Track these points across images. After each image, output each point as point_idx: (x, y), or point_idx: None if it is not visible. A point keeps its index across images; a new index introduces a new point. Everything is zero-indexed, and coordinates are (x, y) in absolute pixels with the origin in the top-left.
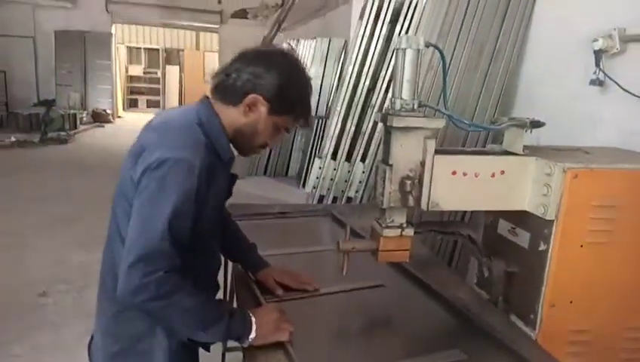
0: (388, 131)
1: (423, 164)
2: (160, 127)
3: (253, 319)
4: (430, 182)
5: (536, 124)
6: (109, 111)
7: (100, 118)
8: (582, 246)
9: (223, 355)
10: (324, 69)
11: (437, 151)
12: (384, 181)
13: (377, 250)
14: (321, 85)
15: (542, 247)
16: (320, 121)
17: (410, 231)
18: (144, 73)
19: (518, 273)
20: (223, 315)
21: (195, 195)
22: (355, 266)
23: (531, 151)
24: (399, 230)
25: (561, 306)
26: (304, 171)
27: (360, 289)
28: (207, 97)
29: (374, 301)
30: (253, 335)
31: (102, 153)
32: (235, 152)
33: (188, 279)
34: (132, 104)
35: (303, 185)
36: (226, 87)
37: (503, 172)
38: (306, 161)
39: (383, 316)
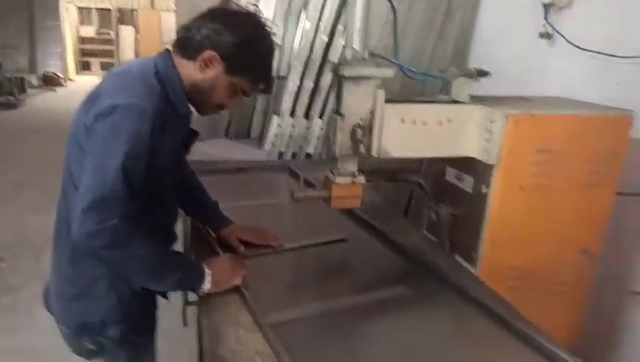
0: (339, 81)
1: (373, 112)
2: (116, 76)
3: (207, 270)
4: (380, 130)
5: (482, 73)
6: (60, 75)
7: (51, 82)
8: (521, 188)
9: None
10: (286, 28)
11: (387, 100)
12: (336, 130)
13: (330, 198)
14: (283, 44)
15: (484, 190)
16: (282, 81)
17: (361, 179)
18: (97, 35)
19: (463, 216)
20: (177, 266)
21: (148, 141)
22: (319, 221)
23: (477, 100)
24: (351, 178)
25: (500, 244)
26: (265, 133)
27: (323, 243)
28: (168, 50)
29: (334, 253)
30: (207, 286)
31: (54, 117)
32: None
33: (142, 229)
34: (85, 67)
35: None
36: (186, 40)
37: (449, 120)
38: (267, 127)
39: (340, 264)
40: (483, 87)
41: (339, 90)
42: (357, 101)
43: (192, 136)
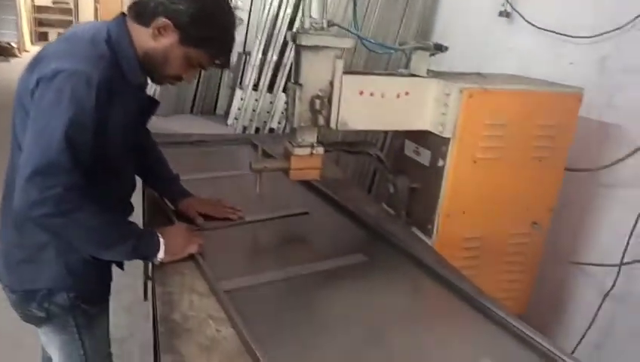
0: (298, 50)
1: (332, 83)
2: (65, 39)
3: (161, 239)
4: (339, 102)
5: (439, 47)
6: (14, 45)
7: (4, 52)
8: (475, 161)
9: (147, 277)
10: (252, 3)
11: (345, 72)
12: (294, 100)
13: (289, 169)
14: (249, 20)
15: (440, 163)
16: (247, 56)
17: (320, 150)
18: (53, 3)
19: (420, 188)
20: (128, 235)
21: (93, 109)
22: (282, 194)
23: (434, 74)
24: (310, 149)
25: (455, 216)
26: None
27: (284, 216)
28: (124, 14)
29: (295, 225)
30: (161, 254)
31: (7, 88)
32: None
33: (95, 200)
34: (41, 37)
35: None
36: (140, 5)
37: (407, 93)
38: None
39: (300, 236)
40: (444, 63)
41: (297, 60)
42: (316, 71)
43: (151, 105)
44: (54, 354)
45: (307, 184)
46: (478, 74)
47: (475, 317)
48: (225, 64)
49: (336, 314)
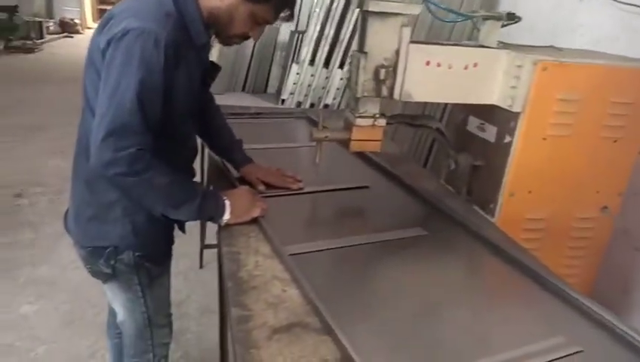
0: (364, 17)
1: (397, 52)
2: None
3: (227, 201)
4: (404, 72)
5: (512, 17)
6: (77, 22)
7: (68, 29)
8: (544, 139)
9: (203, 245)
10: None
11: (412, 41)
12: (358, 70)
13: (349, 140)
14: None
15: (507, 140)
16: (300, 35)
17: (382, 122)
18: None
19: (483, 166)
20: (196, 195)
21: (162, 71)
22: (341, 168)
23: (505, 45)
24: (372, 120)
25: (519, 195)
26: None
27: (344, 189)
28: None
29: (355, 198)
30: (227, 216)
31: (71, 64)
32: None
33: (162, 160)
34: (102, 14)
35: (282, 103)
36: None
37: (475, 64)
38: (286, 77)
39: (359, 208)
40: (511, 38)
41: (363, 27)
42: (381, 39)
43: (213, 69)
44: (119, 310)
45: (365, 158)
46: (551, 46)
47: (542, 294)
48: (290, 17)
49: (396, 283)
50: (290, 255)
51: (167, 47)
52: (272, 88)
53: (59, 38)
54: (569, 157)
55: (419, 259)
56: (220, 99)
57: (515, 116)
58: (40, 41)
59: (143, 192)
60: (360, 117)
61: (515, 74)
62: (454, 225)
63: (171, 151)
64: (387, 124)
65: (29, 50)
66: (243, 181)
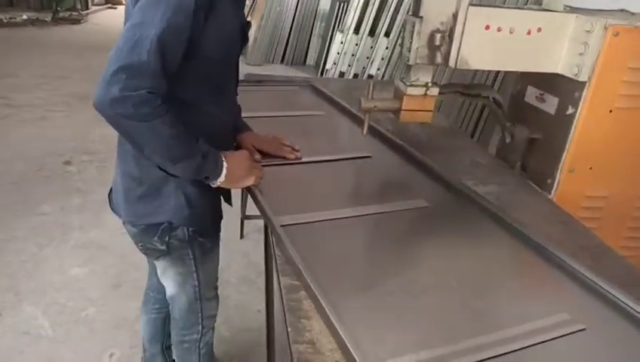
0: None
1: (455, 16)
2: None
3: (225, 163)
4: (461, 37)
5: None
6: None
7: (111, 0)
8: (611, 111)
9: (244, 216)
10: None
11: (472, 4)
12: (412, 35)
13: (400, 110)
14: None
15: (569, 111)
16: (342, 4)
17: (434, 91)
18: None
19: (541, 139)
20: (197, 153)
21: (192, 13)
22: (345, 139)
23: (572, 9)
24: (424, 89)
25: (580, 171)
26: (323, 58)
27: (345, 159)
28: None
29: (357, 168)
30: (222, 178)
31: (115, 34)
32: None
33: (174, 111)
34: None
35: (322, 74)
36: None
37: (539, 29)
38: (326, 48)
39: (359, 178)
40: (573, 1)
41: None
42: (439, 2)
43: (247, 24)
44: (169, 284)
45: (370, 127)
46: (624, 10)
47: (547, 268)
48: None
49: (394, 257)
50: (283, 226)
51: None
52: (311, 60)
53: (103, 9)
54: (637, 132)
55: (418, 233)
56: (259, 70)
57: (580, 86)
58: (85, 12)
59: (142, 139)
60: (412, 85)
61: (584, 40)
62: (458, 196)
63: (209, 105)
64: (440, 93)
65: (76, 21)
66: (238, 148)
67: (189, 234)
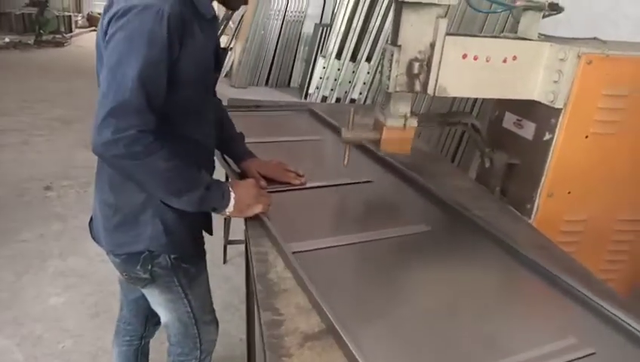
0: (398, 8)
1: (433, 45)
2: None
3: (232, 193)
4: (439, 65)
5: (554, 7)
6: None
7: (95, 22)
8: (587, 137)
9: (227, 241)
10: None
11: (448, 33)
12: (391, 63)
13: (380, 140)
14: None
15: (546, 137)
16: (325, 28)
17: (413, 122)
18: None
19: (519, 165)
20: (199, 185)
21: (166, 46)
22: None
23: (546, 38)
24: (403, 120)
25: (558, 196)
26: (307, 82)
27: (348, 184)
28: None
29: (360, 193)
30: (230, 208)
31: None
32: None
33: (167, 144)
34: None
35: (305, 97)
36: None
37: (515, 57)
38: (309, 72)
39: (362, 203)
40: (546, 30)
41: (396, 20)
42: (416, 31)
43: (223, 52)
44: (161, 312)
45: (369, 152)
46: (595, 39)
47: (552, 292)
48: None
49: (403, 283)
50: (294, 253)
51: (170, 20)
52: (295, 82)
53: (86, 31)
54: (613, 156)
55: (424, 257)
56: (243, 94)
57: (556, 112)
58: (69, 35)
59: (141, 176)
60: (391, 117)
61: (558, 68)
62: (460, 220)
63: (191, 133)
64: (419, 124)
65: (59, 44)
66: (243, 176)
67: (172, 261)
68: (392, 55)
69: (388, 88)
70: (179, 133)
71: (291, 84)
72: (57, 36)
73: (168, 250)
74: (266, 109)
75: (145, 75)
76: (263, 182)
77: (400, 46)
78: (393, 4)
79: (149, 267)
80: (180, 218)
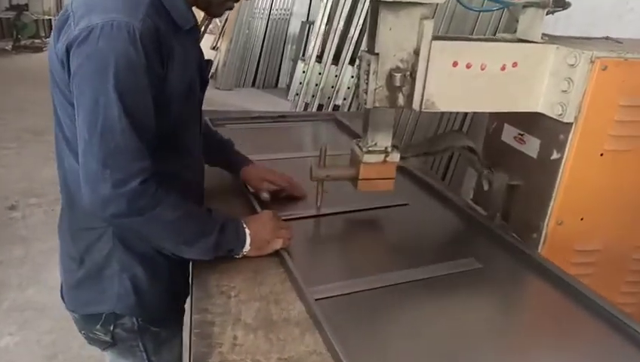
0: (375, 8)
1: (417, 52)
2: None
3: (247, 230)
4: (425, 76)
5: (560, 2)
6: None
7: None
8: (602, 154)
9: None
10: None
11: (435, 37)
12: (368, 75)
13: (357, 178)
14: None
15: (554, 156)
16: (310, 26)
17: (395, 157)
18: None
19: (523, 186)
20: (212, 228)
21: (144, 67)
22: None
23: (551, 39)
24: (383, 155)
25: (569, 223)
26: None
27: (380, 208)
28: None
29: (394, 219)
30: (247, 248)
31: None
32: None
33: (171, 187)
34: None
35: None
36: None
37: (515, 64)
38: (289, 75)
39: (397, 232)
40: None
41: (373, 22)
42: (397, 37)
43: (206, 65)
44: None
45: (404, 169)
46: (607, 38)
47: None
48: None
49: (441, 334)
50: (317, 300)
51: (143, 38)
52: (283, 83)
53: None
54: (631, 176)
55: (475, 302)
56: (229, 96)
57: (565, 128)
58: (48, 39)
59: (148, 231)
60: (368, 152)
61: (567, 75)
62: (512, 253)
63: (178, 168)
64: (402, 159)
65: (38, 49)
66: (244, 184)
67: (138, 323)
68: (369, 65)
69: (366, 103)
70: (162, 171)
71: (279, 85)
72: (36, 41)
73: (135, 312)
74: (291, 120)
75: (131, 110)
76: (265, 195)
77: (378, 54)
78: (369, 4)
79: (111, 328)
80: (151, 274)
